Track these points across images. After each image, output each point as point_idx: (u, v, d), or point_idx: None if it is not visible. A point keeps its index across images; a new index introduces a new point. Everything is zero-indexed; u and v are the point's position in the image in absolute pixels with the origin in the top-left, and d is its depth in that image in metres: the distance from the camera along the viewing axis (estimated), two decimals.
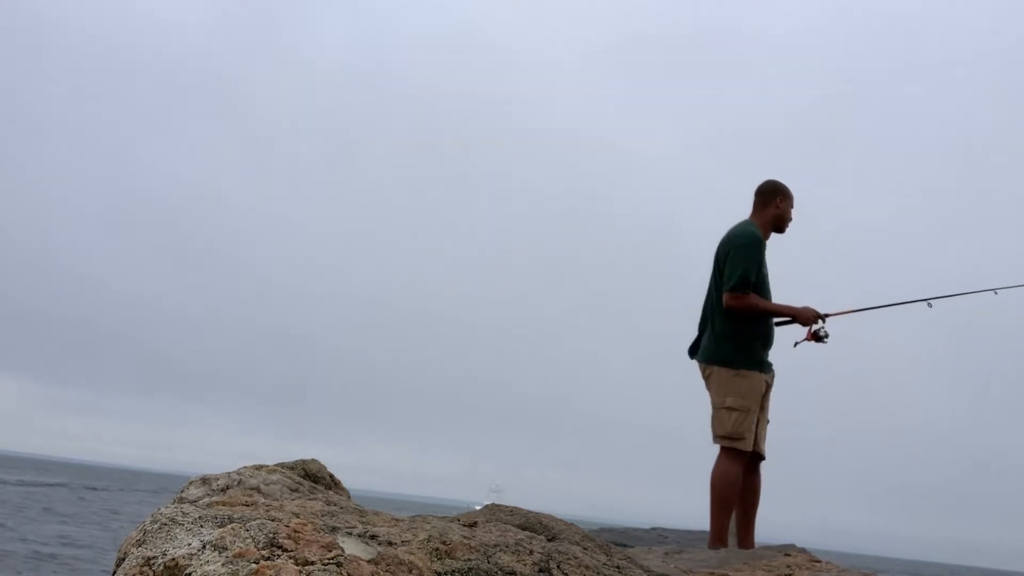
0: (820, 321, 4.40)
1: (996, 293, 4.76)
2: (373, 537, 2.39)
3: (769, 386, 4.45)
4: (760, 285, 4.38)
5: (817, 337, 4.39)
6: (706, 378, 4.48)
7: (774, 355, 4.52)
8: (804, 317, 4.39)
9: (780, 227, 4.55)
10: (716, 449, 4.45)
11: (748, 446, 4.33)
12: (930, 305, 4.61)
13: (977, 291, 4.81)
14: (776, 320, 4.48)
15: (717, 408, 4.36)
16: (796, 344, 4.45)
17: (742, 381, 4.35)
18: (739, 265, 4.32)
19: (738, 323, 4.38)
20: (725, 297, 4.34)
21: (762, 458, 4.44)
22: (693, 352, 4.63)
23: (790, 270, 4.58)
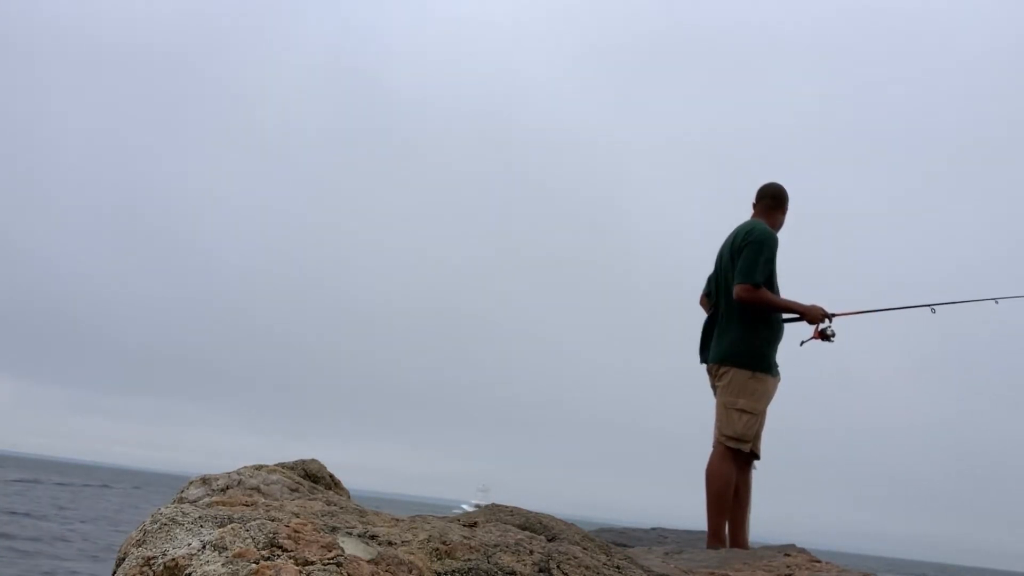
0: (827, 320, 4.41)
1: (997, 302, 4.88)
2: (373, 537, 2.39)
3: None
4: (771, 282, 4.40)
5: (824, 336, 4.40)
6: (718, 378, 4.47)
7: (778, 354, 4.54)
8: (812, 315, 4.40)
9: (776, 232, 4.57)
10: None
11: (749, 448, 4.36)
12: (934, 311, 4.66)
13: (979, 299, 4.93)
14: (785, 317, 4.49)
15: (728, 408, 4.35)
16: (803, 343, 4.46)
17: (757, 385, 4.36)
18: (754, 258, 4.32)
19: (752, 322, 4.37)
20: (737, 289, 4.33)
21: (757, 457, 4.46)
22: (703, 355, 4.62)
23: (785, 270, 4.68)
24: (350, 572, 2.09)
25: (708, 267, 4.77)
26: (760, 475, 4.55)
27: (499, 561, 2.34)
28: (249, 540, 2.16)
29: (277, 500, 2.79)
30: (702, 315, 4.75)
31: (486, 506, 3.06)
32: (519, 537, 2.54)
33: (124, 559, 2.26)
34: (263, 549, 2.14)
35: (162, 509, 2.43)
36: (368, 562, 2.17)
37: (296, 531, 2.24)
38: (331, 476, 3.39)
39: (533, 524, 2.84)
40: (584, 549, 2.66)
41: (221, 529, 2.23)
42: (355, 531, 2.41)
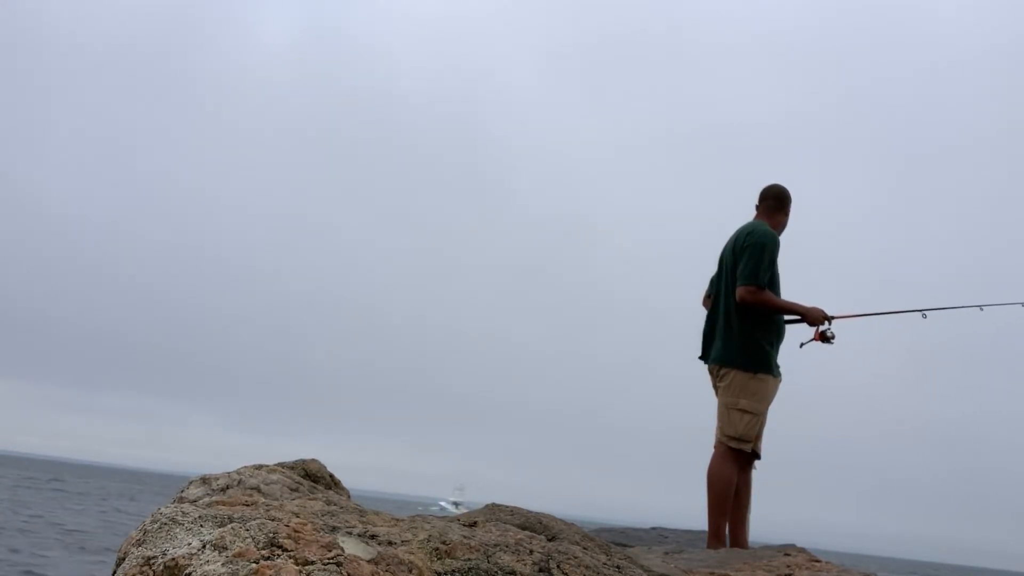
0: (827, 322, 4.44)
1: (982, 309, 4.99)
2: (373, 537, 2.39)
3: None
4: (773, 284, 4.42)
5: (824, 338, 4.44)
6: (720, 378, 4.48)
7: (779, 355, 4.56)
8: (813, 317, 4.43)
9: (779, 233, 4.59)
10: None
11: (751, 449, 4.37)
12: (924, 316, 4.74)
13: (965, 306, 5.06)
14: (786, 318, 4.52)
15: (729, 408, 4.37)
16: (802, 345, 4.50)
17: (759, 385, 4.37)
18: (756, 260, 4.34)
19: (753, 323, 4.39)
20: (739, 291, 4.35)
21: (758, 457, 4.48)
22: (705, 355, 4.64)
23: (786, 271, 4.78)
24: (350, 572, 2.09)
25: (710, 268, 4.78)
26: (760, 475, 4.56)
27: (499, 561, 2.34)
28: (249, 540, 2.16)
29: (277, 500, 2.80)
30: (704, 316, 4.76)
31: (486, 506, 3.07)
32: (519, 537, 2.55)
33: (124, 559, 2.26)
34: (263, 549, 2.14)
35: (162, 509, 2.43)
36: (368, 562, 2.18)
37: (296, 531, 2.24)
38: (331, 476, 3.40)
39: (533, 524, 2.85)
40: (584, 549, 2.66)
41: (221, 529, 2.23)
42: (355, 531, 2.42)
